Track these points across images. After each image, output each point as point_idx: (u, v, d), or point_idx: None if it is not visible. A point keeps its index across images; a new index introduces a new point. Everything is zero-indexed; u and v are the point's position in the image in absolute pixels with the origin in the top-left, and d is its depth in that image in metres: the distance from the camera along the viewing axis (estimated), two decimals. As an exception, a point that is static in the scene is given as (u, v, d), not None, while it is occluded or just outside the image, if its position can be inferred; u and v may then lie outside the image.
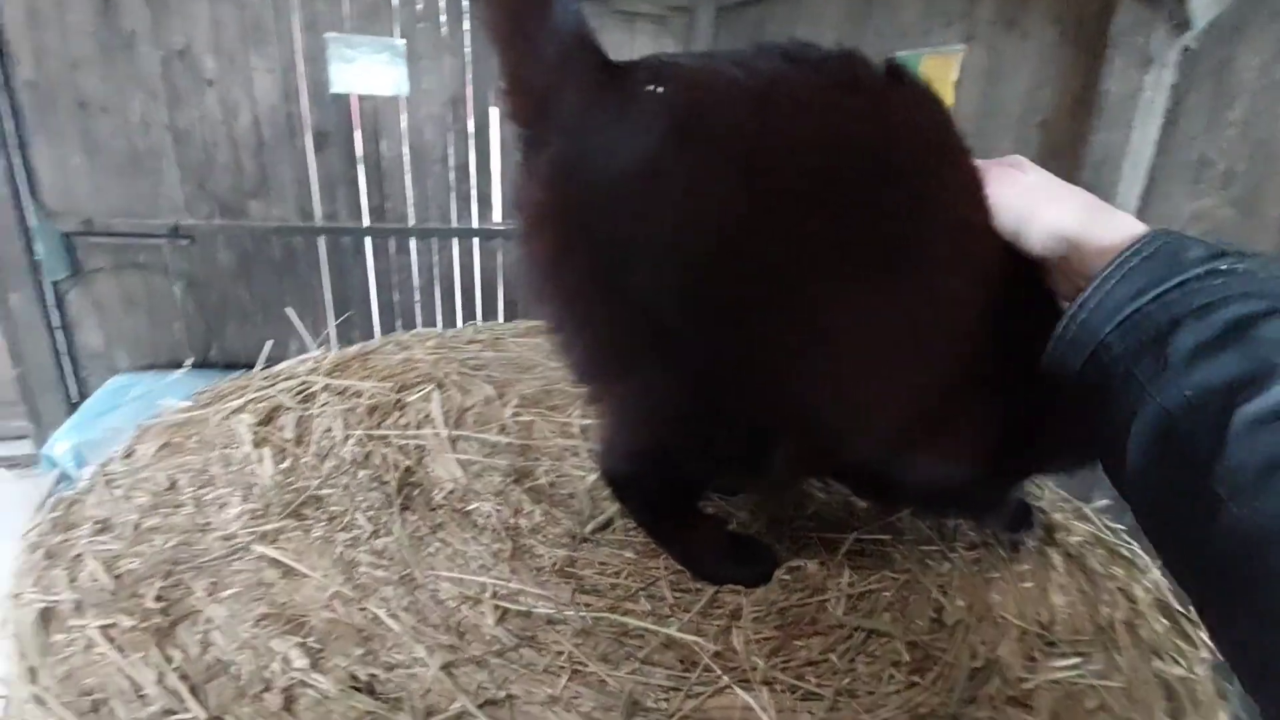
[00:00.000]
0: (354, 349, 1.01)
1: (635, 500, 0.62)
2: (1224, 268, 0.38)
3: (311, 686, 0.47)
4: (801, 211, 0.47)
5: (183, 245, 2.40)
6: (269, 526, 0.62)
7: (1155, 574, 0.69)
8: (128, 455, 0.74)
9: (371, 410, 0.84)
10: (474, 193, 2.70)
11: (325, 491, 0.68)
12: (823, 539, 0.67)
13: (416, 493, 0.70)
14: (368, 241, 2.64)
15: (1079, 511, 0.78)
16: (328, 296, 2.64)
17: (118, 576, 0.56)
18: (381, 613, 0.53)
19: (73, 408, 2.36)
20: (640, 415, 0.56)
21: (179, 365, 2.47)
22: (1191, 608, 0.59)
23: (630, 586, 0.59)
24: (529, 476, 0.75)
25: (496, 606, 0.55)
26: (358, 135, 2.51)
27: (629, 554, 0.64)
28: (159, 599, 0.54)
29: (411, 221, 2.66)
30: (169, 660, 0.48)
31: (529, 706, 0.47)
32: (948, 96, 1.81)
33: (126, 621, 0.51)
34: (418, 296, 2.77)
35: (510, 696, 0.47)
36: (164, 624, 0.51)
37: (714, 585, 0.60)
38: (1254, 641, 0.31)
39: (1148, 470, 0.37)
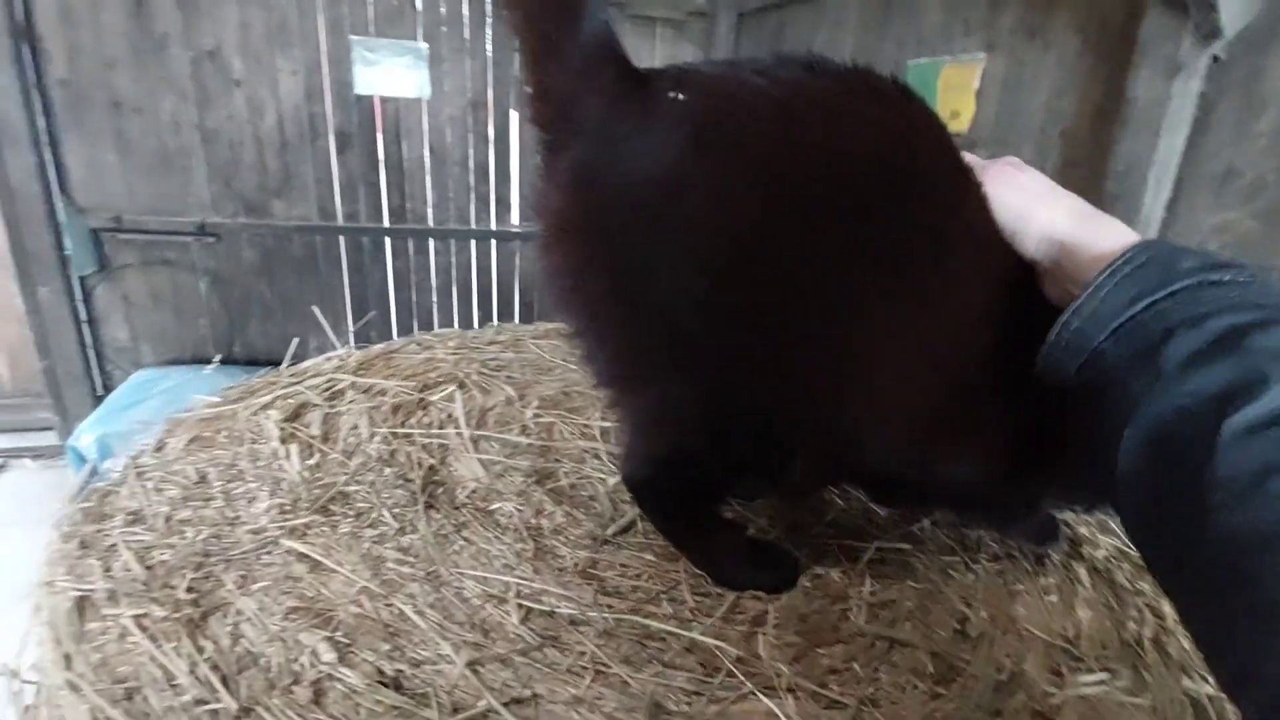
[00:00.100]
0: (378, 348, 1.03)
1: (655, 505, 0.62)
2: (1214, 279, 0.38)
3: (340, 680, 0.47)
4: (824, 222, 0.47)
5: (209, 243, 2.44)
6: (297, 521, 0.63)
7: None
8: (158, 448, 0.75)
9: (396, 409, 0.85)
10: (493, 195, 2.73)
11: (352, 488, 0.69)
12: (843, 547, 0.67)
13: (440, 491, 0.71)
14: (387, 241, 2.67)
15: (1105, 525, 0.77)
16: (347, 295, 2.67)
17: (150, 567, 0.57)
18: (408, 609, 0.54)
19: (98, 401, 2.40)
20: (661, 422, 0.57)
21: (202, 361, 2.51)
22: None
23: (652, 589, 0.60)
24: (550, 478, 0.75)
25: (520, 606, 0.55)
26: (379, 137, 2.55)
27: (650, 557, 0.64)
28: (190, 590, 0.55)
29: (431, 223, 2.69)
30: (200, 651, 0.49)
31: (553, 706, 0.47)
32: (968, 105, 1.80)
33: (159, 612, 0.52)
34: (435, 297, 2.80)
35: (535, 695, 0.48)
36: (195, 615, 0.52)
37: (734, 591, 0.60)
38: (1237, 644, 0.32)
39: (1139, 476, 0.37)
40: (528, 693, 0.48)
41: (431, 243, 2.71)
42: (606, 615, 0.55)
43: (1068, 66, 1.61)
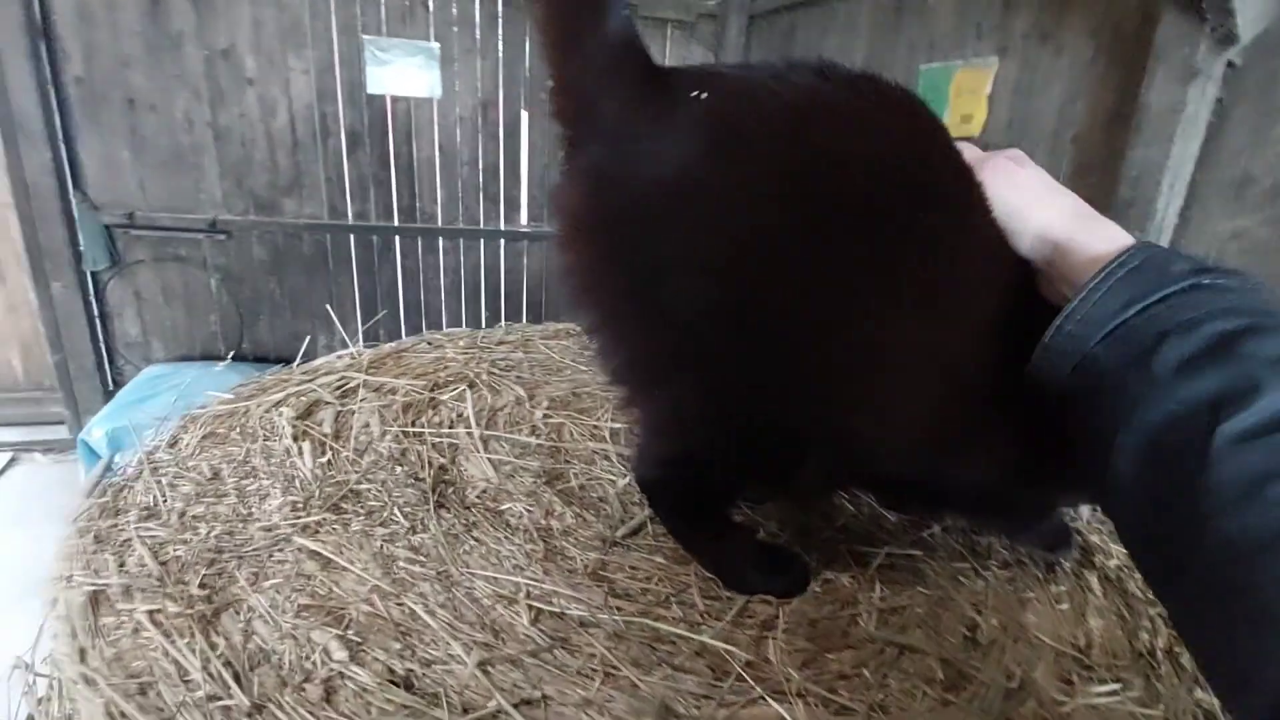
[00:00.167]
0: (389, 346, 1.03)
1: (667, 507, 0.62)
2: (1207, 282, 0.38)
3: (351, 679, 0.48)
4: (836, 227, 0.47)
5: (220, 240, 2.46)
6: (309, 519, 0.63)
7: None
8: (172, 444, 0.76)
9: (406, 407, 0.85)
10: (502, 195, 2.74)
11: (363, 486, 0.69)
12: (853, 552, 0.67)
13: (451, 491, 0.71)
14: (397, 240, 2.68)
15: (1117, 533, 0.77)
16: (357, 294, 2.69)
17: (164, 563, 0.58)
18: (419, 608, 0.54)
19: (109, 395, 2.42)
20: (674, 423, 0.57)
21: (212, 357, 2.53)
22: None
23: (661, 592, 0.60)
24: (560, 479, 0.75)
25: (530, 607, 0.56)
26: (390, 136, 2.56)
27: (660, 559, 0.64)
28: (203, 586, 0.55)
29: (440, 222, 2.70)
30: (213, 647, 0.49)
31: (563, 708, 0.47)
32: (980, 110, 1.79)
33: (173, 607, 0.52)
34: (444, 296, 2.81)
35: (545, 697, 0.48)
36: (208, 611, 0.53)
37: (744, 595, 0.60)
38: (1232, 652, 0.32)
39: (1133, 484, 0.37)
40: (537, 694, 0.48)
41: (441, 242, 2.72)
42: (616, 618, 0.55)
43: (1080, 71, 1.60)
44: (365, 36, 2.40)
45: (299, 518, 0.63)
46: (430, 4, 2.44)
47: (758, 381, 0.51)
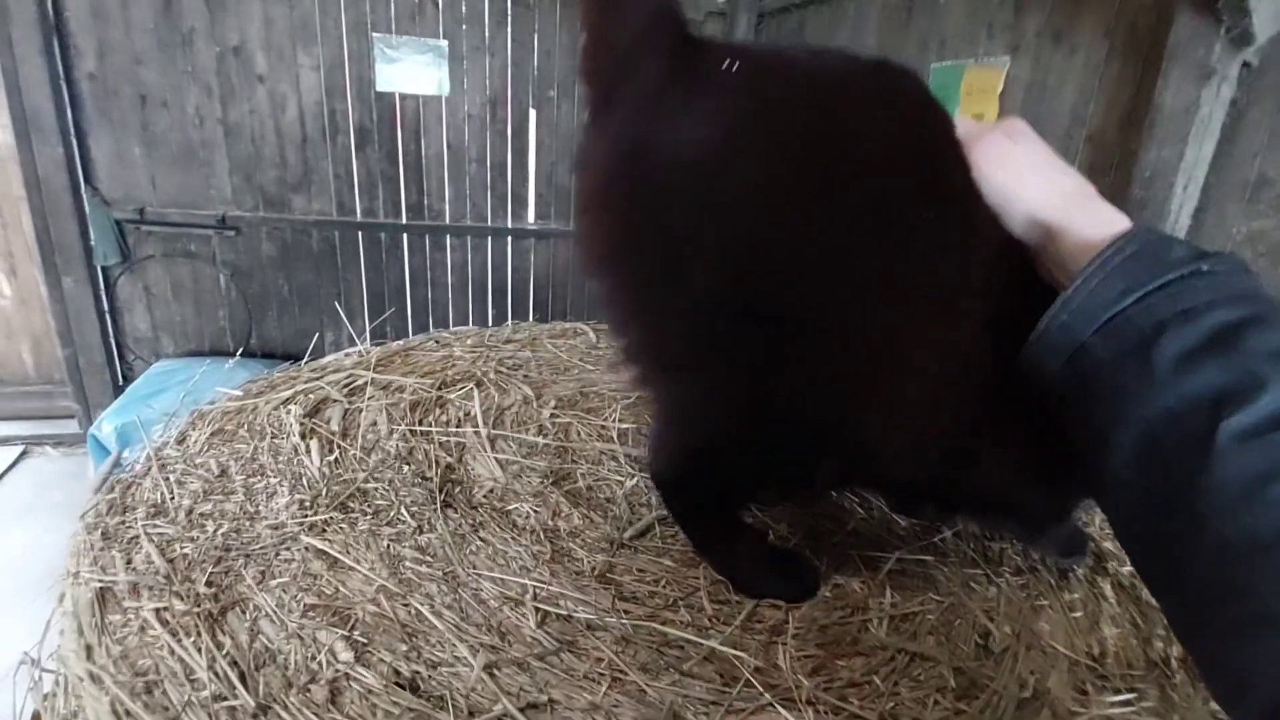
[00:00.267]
0: (397, 344, 1.03)
1: (682, 505, 0.61)
2: (1206, 269, 0.36)
3: (357, 680, 0.47)
4: (860, 212, 0.46)
5: (229, 236, 2.47)
6: (317, 518, 0.63)
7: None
8: (181, 440, 0.76)
9: (414, 406, 0.85)
10: (509, 193, 2.73)
11: (371, 485, 0.69)
12: (863, 557, 0.66)
13: (458, 490, 0.71)
14: (404, 237, 2.69)
15: (1112, 531, 0.76)
16: (365, 291, 2.69)
17: (171, 560, 0.58)
18: (425, 610, 0.54)
19: (118, 390, 2.44)
20: (690, 410, 0.56)
21: (221, 353, 2.54)
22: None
23: (669, 595, 0.59)
24: (567, 479, 0.75)
25: (537, 609, 0.55)
26: (399, 133, 2.56)
27: (668, 562, 0.63)
28: (210, 584, 0.55)
29: (447, 219, 2.70)
30: (219, 646, 0.49)
31: (570, 713, 0.47)
32: (992, 109, 1.78)
33: (180, 605, 0.52)
34: (451, 294, 2.81)
35: (551, 701, 0.47)
36: (215, 610, 0.53)
37: (753, 599, 0.59)
38: (1232, 654, 0.31)
39: (1130, 481, 0.36)
40: (544, 698, 0.47)
41: (449, 239, 2.73)
42: (624, 621, 0.55)
43: (1094, 71, 1.58)
44: (374, 34, 2.40)
45: (306, 516, 0.63)
46: (439, 2, 2.44)
47: (778, 367, 0.49)
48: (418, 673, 0.49)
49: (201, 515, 0.63)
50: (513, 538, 0.64)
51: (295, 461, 0.72)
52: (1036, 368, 0.42)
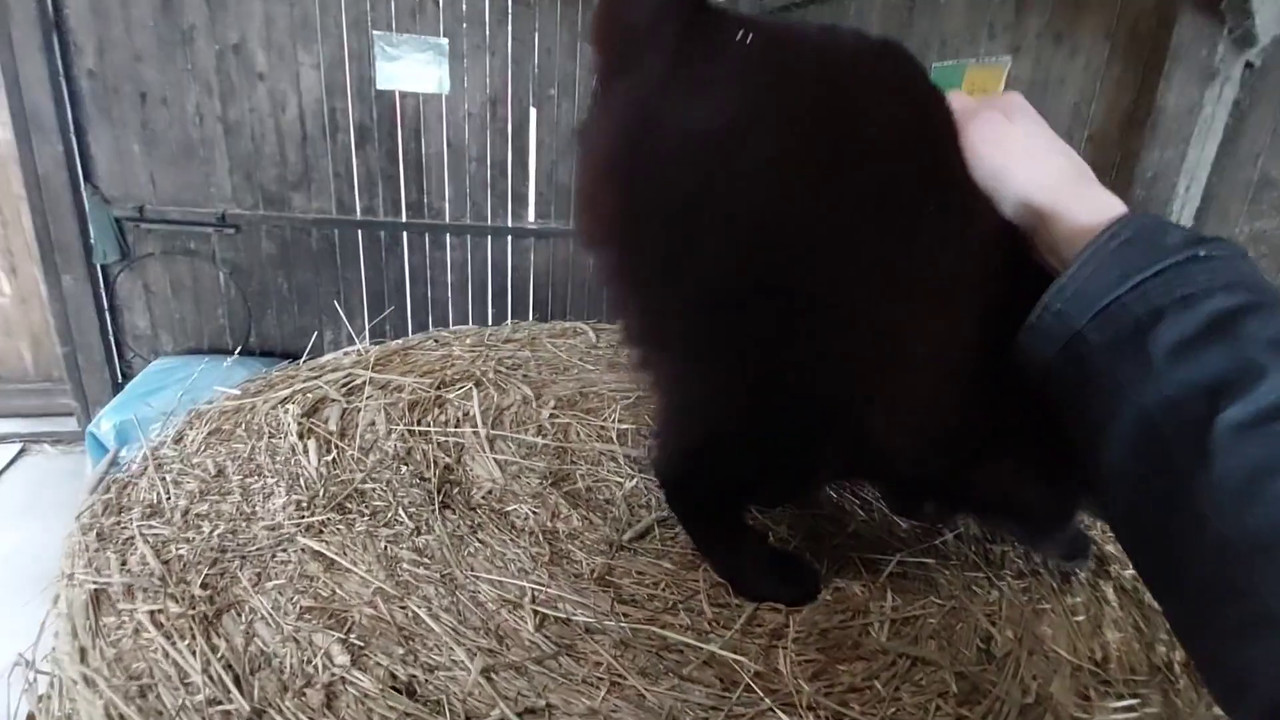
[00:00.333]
0: (396, 343, 1.02)
1: (686, 504, 0.61)
2: (1203, 254, 0.35)
3: (353, 684, 0.47)
4: (871, 201, 0.46)
5: (229, 234, 2.46)
6: (314, 519, 0.62)
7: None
8: (178, 440, 0.75)
9: (412, 406, 0.84)
10: (510, 191, 2.73)
11: (368, 486, 0.69)
12: (864, 560, 0.66)
13: (456, 491, 0.70)
14: (404, 236, 2.68)
15: (1108, 526, 0.75)
16: (364, 289, 2.69)
17: (166, 562, 0.57)
18: (422, 612, 0.53)
19: (117, 388, 2.44)
20: (693, 394, 0.54)
21: (220, 351, 2.54)
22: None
23: (669, 599, 0.58)
24: (566, 480, 0.74)
25: (536, 612, 0.55)
26: (399, 132, 2.56)
27: (667, 565, 0.63)
28: (205, 586, 0.55)
29: (447, 218, 2.69)
30: (214, 649, 0.49)
31: (568, 718, 0.46)
32: (995, 108, 1.77)
33: (174, 608, 0.52)
34: (450, 293, 2.81)
35: (549, 706, 0.47)
36: (210, 612, 0.52)
37: (754, 602, 0.59)
38: (1232, 655, 0.30)
39: (1127, 473, 0.35)
40: (542, 703, 0.47)
41: (448, 238, 2.72)
42: (623, 624, 0.54)
43: (1095, 71, 1.58)
44: (375, 32, 2.40)
45: (303, 517, 0.63)
46: (440, 0, 2.43)
47: (783, 346, 0.48)
48: (414, 676, 0.48)
49: (197, 516, 0.63)
50: (511, 539, 0.64)
51: (292, 462, 0.71)
52: (1031, 355, 0.41)
